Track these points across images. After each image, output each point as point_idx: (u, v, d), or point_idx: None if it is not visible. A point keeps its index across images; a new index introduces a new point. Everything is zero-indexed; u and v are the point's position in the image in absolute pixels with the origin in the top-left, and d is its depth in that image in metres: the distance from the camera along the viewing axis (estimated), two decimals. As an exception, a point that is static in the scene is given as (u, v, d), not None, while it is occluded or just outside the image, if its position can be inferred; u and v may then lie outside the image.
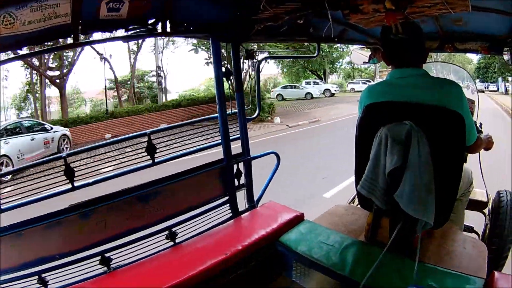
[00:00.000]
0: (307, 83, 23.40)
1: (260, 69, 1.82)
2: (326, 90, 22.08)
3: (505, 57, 1.77)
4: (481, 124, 1.95)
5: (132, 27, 1.11)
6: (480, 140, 1.27)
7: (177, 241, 1.41)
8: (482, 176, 1.88)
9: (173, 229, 1.41)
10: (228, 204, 1.61)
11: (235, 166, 1.62)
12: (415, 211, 1.01)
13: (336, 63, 28.30)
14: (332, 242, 1.28)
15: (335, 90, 22.63)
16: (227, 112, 1.56)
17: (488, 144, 1.48)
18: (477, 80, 36.36)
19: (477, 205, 2.09)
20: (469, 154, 2.09)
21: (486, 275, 1.09)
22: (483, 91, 28.06)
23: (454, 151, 1.03)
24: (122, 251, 1.30)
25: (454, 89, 1.08)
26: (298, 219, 1.45)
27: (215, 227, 1.47)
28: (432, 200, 1.01)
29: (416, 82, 1.10)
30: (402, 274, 1.08)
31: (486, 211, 2.03)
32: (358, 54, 2.18)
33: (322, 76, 26.41)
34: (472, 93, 2.19)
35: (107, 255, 1.25)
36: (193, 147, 1.59)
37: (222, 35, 1.42)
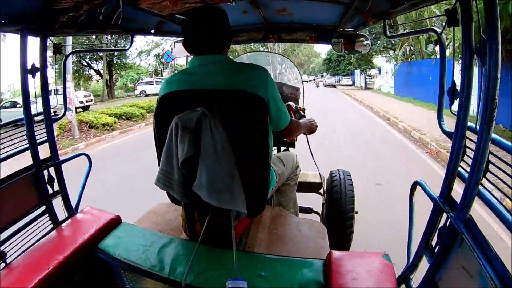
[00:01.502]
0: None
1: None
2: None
3: (334, 46, 1.95)
4: (304, 109, 2.10)
5: None
6: (295, 124, 1.29)
7: (8, 261, 1.22)
8: (313, 159, 2.00)
9: (0, 249, 1.23)
10: (47, 214, 1.48)
11: (46, 173, 1.49)
12: (219, 200, 0.94)
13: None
14: (150, 243, 1.20)
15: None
16: (33, 113, 1.41)
17: (310, 127, 1.57)
18: (326, 74, 42.25)
19: (312, 187, 2.30)
20: (297, 138, 2.21)
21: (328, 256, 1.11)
22: (334, 86, 32.57)
23: (257, 134, 1.00)
24: None
25: (256, 72, 1.05)
26: (116, 223, 1.36)
27: (40, 240, 1.31)
28: (238, 187, 0.96)
29: (216, 69, 1.05)
30: (226, 268, 1.03)
31: (322, 191, 2.21)
32: (180, 46, 2.19)
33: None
34: (298, 81, 2.40)
35: None
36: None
37: (31, 28, 1.28)
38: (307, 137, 1.81)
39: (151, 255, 1.14)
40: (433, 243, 1.05)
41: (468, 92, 0.90)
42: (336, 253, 1.07)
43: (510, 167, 0.74)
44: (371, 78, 29.89)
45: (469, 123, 0.92)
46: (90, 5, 1.07)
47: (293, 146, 2.25)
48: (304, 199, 2.47)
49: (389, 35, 1.44)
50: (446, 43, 1.14)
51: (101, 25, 1.47)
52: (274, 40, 2.12)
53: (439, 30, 1.06)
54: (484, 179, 0.83)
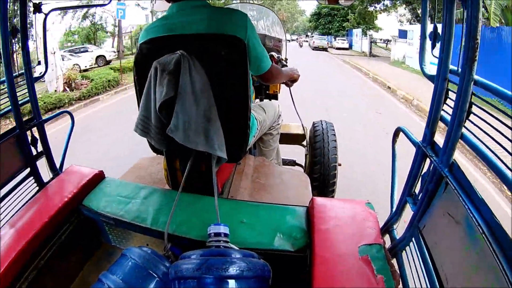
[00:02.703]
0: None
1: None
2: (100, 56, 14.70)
3: None
4: (286, 59, 2.07)
5: None
6: (276, 69, 1.27)
7: None
8: (296, 110, 1.99)
9: None
10: (32, 177, 1.47)
11: (29, 134, 1.47)
12: (196, 143, 0.94)
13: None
14: (132, 195, 1.20)
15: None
16: (14, 74, 1.38)
17: (292, 76, 1.55)
18: (312, 33, 38.17)
19: (295, 139, 2.31)
20: (279, 90, 2.21)
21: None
22: (325, 49, 25.51)
23: (236, 77, 0.99)
24: None
25: (235, 15, 1.03)
26: (99, 178, 1.34)
27: (27, 203, 1.29)
28: (215, 129, 0.97)
29: (194, 13, 1.03)
30: (208, 215, 1.03)
31: (305, 143, 2.22)
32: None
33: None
34: (281, 32, 2.32)
35: None
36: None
37: None
38: (289, 88, 1.78)
39: (133, 207, 1.14)
40: (417, 190, 1.05)
41: (450, 34, 0.88)
42: (318, 199, 1.07)
43: (494, 108, 0.72)
44: (377, 43, 23.25)
45: (451, 66, 0.90)
46: None
47: (276, 98, 2.22)
48: (287, 152, 2.48)
49: None
50: None
51: None
52: None
53: None
54: (467, 121, 0.81)
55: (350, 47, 26.33)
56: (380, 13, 21.27)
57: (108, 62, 14.79)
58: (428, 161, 0.99)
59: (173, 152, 1.11)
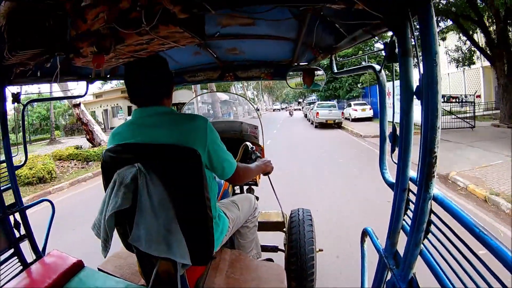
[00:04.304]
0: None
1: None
2: None
3: (290, 81, 1.97)
4: (261, 147, 2.10)
5: None
6: (243, 170, 1.25)
7: None
8: (276, 196, 1.96)
9: None
10: (16, 257, 1.60)
11: (12, 218, 1.58)
12: (158, 251, 0.97)
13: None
14: None
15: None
16: None
17: (265, 169, 1.53)
18: (313, 97, 32.14)
19: (276, 226, 2.27)
20: (259, 177, 2.21)
21: None
22: (339, 124, 15.51)
23: (193, 188, 1.00)
24: None
25: (194, 124, 1.04)
26: (78, 268, 1.40)
27: (8, 282, 1.38)
28: (176, 239, 0.97)
29: (154, 122, 1.05)
30: None
31: (285, 230, 2.13)
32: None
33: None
34: (254, 118, 2.34)
35: None
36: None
37: None
38: (268, 176, 1.77)
39: None
40: None
41: (407, 140, 0.81)
42: None
43: (450, 231, 0.67)
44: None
45: (411, 174, 0.84)
46: (35, 61, 1.10)
47: (256, 185, 2.27)
48: (272, 236, 2.44)
49: (335, 71, 1.47)
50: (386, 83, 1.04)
51: (59, 73, 1.54)
52: (230, 79, 2.15)
53: (377, 67, 1.01)
54: (426, 239, 0.75)
55: (375, 115, 16.60)
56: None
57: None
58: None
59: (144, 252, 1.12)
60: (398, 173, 0.85)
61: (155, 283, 1.17)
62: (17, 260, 1.57)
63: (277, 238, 2.42)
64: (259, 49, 1.80)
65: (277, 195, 1.94)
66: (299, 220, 1.95)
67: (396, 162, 0.86)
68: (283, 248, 2.14)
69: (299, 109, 37.16)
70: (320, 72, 1.80)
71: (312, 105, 21.81)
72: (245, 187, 2.35)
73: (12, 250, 1.55)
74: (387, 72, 1.06)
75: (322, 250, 2.08)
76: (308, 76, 1.80)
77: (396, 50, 0.80)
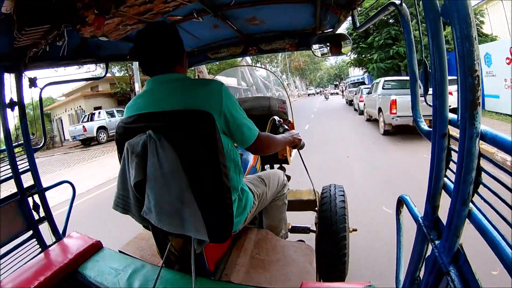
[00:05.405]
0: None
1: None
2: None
3: (316, 51, 1.83)
4: (289, 122, 2.00)
5: None
6: (265, 138, 1.16)
7: None
8: (308, 174, 1.89)
9: None
10: (35, 239, 1.58)
11: (31, 200, 1.60)
12: (170, 225, 0.92)
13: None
14: (122, 268, 1.24)
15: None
16: (14, 144, 1.52)
17: (293, 141, 1.45)
18: (349, 81, 25.83)
19: (307, 205, 2.17)
20: (290, 154, 2.14)
21: (318, 278, 1.01)
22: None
23: (206, 154, 0.92)
24: None
25: (208, 87, 0.99)
26: (96, 248, 1.42)
27: (27, 263, 1.39)
28: (191, 211, 0.91)
29: (166, 89, 1.01)
30: None
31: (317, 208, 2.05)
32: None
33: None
34: (282, 94, 2.26)
35: None
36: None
37: (6, 65, 1.39)
38: (299, 152, 1.71)
39: (121, 280, 1.18)
40: (422, 275, 0.82)
41: (442, 71, 0.67)
42: (308, 284, 0.96)
43: (509, 175, 0.51)
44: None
45: (451, 115, 0.70)
46: (46, 40, 1.10)
47: (287, 163, 2.18)
48: (308, 215, 2.30)
49: (358, 25, 1.37)
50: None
51: (74, 55, 1.52)
52: (254, 52, 2.07)
53: (398, 1, 0.89)
54: (475, 194, 0.60)
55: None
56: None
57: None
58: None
59: (158, 228, 1.07)
60: (434, 115, 0.71)
61: (168, 262, 1.17)
62: (36, 242, 1.59)
63: (309, 219, 2.29)
64: (279, 17, 1.71)
65: (309, 172, 1.85)
66: (330, 196, 1.86)
67: (431, 104, 0.72)
68: (315, 229, 2.05)
69: (336, 93, 34.58)
70: (348, 41, 1.69)
71: (359, 88, 13.78)
72: (276, 166, 2.26)
73: (30, 232, 1.57)
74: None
75: (356, 230, 1.96)
76: (334, 45, 1.70)
77: None
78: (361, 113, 11.83)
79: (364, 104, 10.79)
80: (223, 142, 0.95)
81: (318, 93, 46.16)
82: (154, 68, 1.04)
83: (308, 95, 47.62)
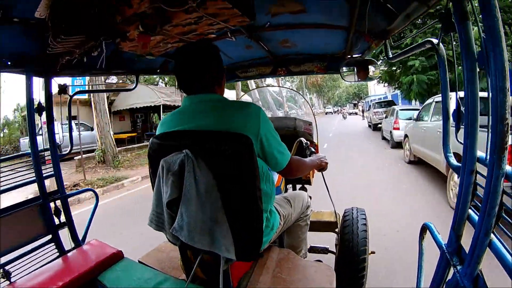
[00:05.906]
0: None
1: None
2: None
3: (345, 76, 1.88)
4: (315, 144, 2.02)
5: None
6: (296, 163, 1.19)
7: (12, 279, 1.37)
8: (330, 197, 1.91)
9: (6, 268, 1.40)
10: (53, 243, 1.59)
11: (53, 204, 1.61)
12: (200, 243, 0.93)
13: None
14: (144, 280, 1.23)
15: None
16: (40, 148, 1.53)
17: (320, 165, 1.48)
18: (372, 100, 22.57)
19: (328, 226, 2.20)
20: (313, 175, 2.16)
21: None
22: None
23: (243, 177, 0.93)
24: None
25: (246, 110, 1.00)
26: (117, 258, 1.43)
27: (44, 266, 1.40)
28: (222, 231, 0.93)
29: (204, 108, 1.03)
30: None
31: (338, 230, 2.08)
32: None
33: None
34: (308, 116, 2.30)
35: None
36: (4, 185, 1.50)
37: (35, 69, 1.39)
38: (322, 174, 1.73)
39: None
40: None
41: (474, 113, 0.74)
42: None
43: None
44: None
45: (479, 153, 0.76)
46: (81, 49, 1.10)
47: (309, 183, 2.19)
48: (322, 237, 2.35)
49: (390, 56, 1.39)
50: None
51: (106, 66, 1.56)
52: (283, 74, 2.12)
53: (435, 41, 0.94)
54: (497, 226, 0.67)
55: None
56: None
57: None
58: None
59: (187, 244, 1.09)
60: (464, 153, 0.77)
61: (195, 278, 1.16)
62: (54, 247, 1.59)
63: (325, 240, 2.34)
64: (312, 40, 1.75)
65: (331, 193, 1.88)
66: (352, 219, 1.89)
67: (462, 142, 0.78)
68: (333, 250, 2.09)
69: (355, 113, 32.72)
70: (375, 65, 1.74)
71: (391, 109, 10.83)
72: (298, 186, 2.28)
73: (50, 236, 1.58)
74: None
75: (374, 253, 2.00)
76: (363, 70, 1.74)
77: (453, 18, 0.76)
78: (396, 145, 8.50)
79: (407, 136, 6.71)
80: (259, 165, 0.96)
81: (335, 111, 45.65)
82: (194, 87, 1.05)
83: (326, 113, 47.42)
